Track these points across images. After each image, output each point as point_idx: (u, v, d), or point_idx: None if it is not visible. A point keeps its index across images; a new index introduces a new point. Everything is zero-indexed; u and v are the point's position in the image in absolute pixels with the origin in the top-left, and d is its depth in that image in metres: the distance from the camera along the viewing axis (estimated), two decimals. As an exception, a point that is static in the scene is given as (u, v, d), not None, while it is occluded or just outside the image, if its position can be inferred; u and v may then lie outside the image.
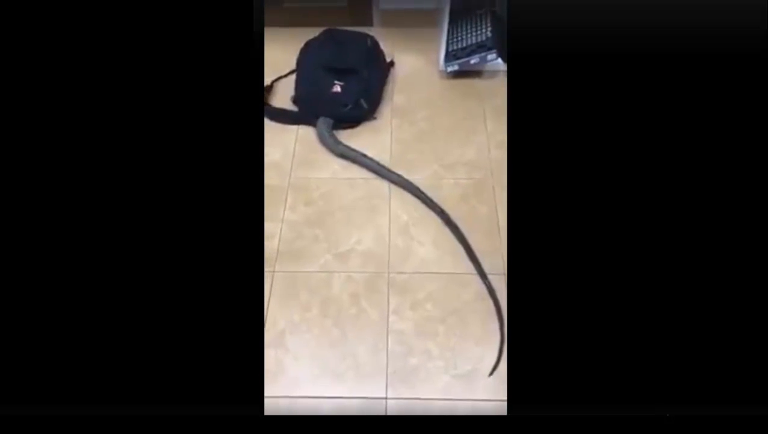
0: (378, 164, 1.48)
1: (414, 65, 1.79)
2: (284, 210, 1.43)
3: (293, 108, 1.63)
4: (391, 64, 1.75)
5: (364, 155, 1.49)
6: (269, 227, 1.40)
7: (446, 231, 1.37)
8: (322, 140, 1.54)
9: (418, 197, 1.41)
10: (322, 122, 1.55)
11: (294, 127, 1.61)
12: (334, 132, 1.57)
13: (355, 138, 1.57)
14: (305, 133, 1.60)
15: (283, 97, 1.69)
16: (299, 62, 1.70)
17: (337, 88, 1.58)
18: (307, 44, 1.70)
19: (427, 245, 1.35)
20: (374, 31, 1.87)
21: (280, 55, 1.80)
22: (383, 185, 1.47)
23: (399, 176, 1.46)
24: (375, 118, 1.60)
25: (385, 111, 1.65)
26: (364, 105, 1.56)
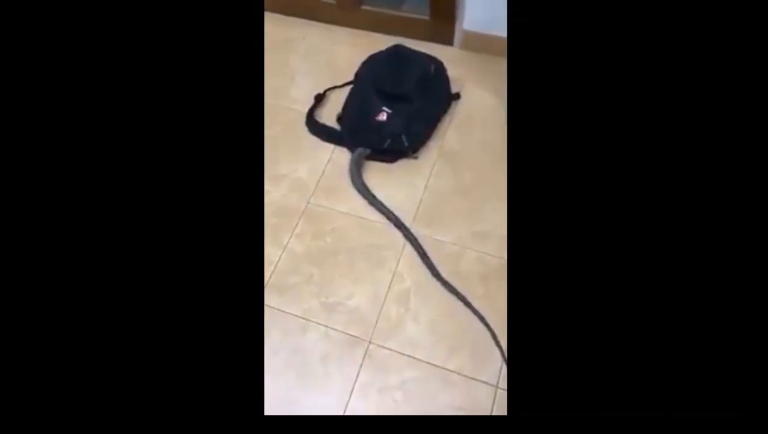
0: (391, 213, 1.34)
1: (483, 102, 1.58)
2: (290, 237, 1.34)
3: (336, 126, 1.52)
4: (456, 96, 1.55)
5: (377, 200, 1.36)
6: (270, 252, 1.32)
7: (449, 312, 1.20)
8: (350, 171, 1.42)
9: (425, 263, 1.25)
10: (357, 153, 1.43)
11: (331, 145, 1.51)
12: (370, 162, 1.44)
13: (386, 176, 1.43)
14: (340, 155, 1.49)
15: (331, 109, 1.58)
16: (357, 76, 1.57)
17: (383, 117, 1.43)
18: (370, 58, 1.55)
19: (422, 323, 1.19)
20: (451, 52, 1.67)
21: (347, 61, 1.67)
22: (399, 237, 1.32)
23: (408, 231, 1.30)
24: (416, 157, 1.44)
25: (431, 151, 1.47)
26: (404, 142, 1.40)
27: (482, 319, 1.17)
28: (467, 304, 1.19)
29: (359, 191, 1.39)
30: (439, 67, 1.49)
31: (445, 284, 1.22)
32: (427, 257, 1.26)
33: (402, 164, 1.46)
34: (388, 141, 1.40)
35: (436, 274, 1.23)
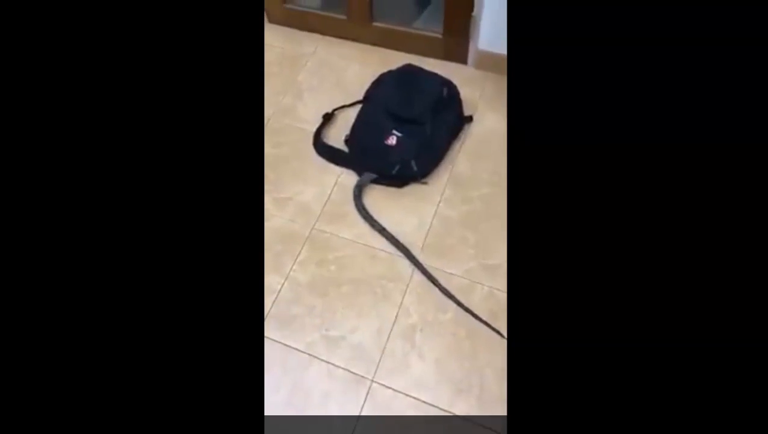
0: (398, 242, 1.29)
1: (496, 125, 1.52)
2: (293, 265, 1.30)
3: (344, 147, 1.48)
4: (469, 119, 1.50)
5: (381, 227, 1.31)
6: (271, 280, 1.28)
7: (456, 349, 1.15)
8: (354, 197, 1.37)
9: (442, 290, 1.20)
10: (361, 178, 1.38)
11: (338, 168, 1.46)
12: (376, 185, 1.39)
13: (394, 201, 1.38)
14: (347, 178, 1.44)
15: (340, 129, 1.53)
16: (367, 97, 1.52)
17: (392, 140, 1.38)
18: (380, 78, 1.51)
19: (429, 362, 1.14)
20: (465, 72, 1.62)
21: (357, 78, 1.63)
22: (407, 268, 1.27)
23: (413, 257, 1.26)
24: (425, 183, 1.39)
25: (441, 176, 1.42)
26: (414, 168, 1.35)
27: (492, 327, 1.11)
28: (479, 319, 1.13)
29: (363, 217, 1.35)
30: (452, 90, 1.43)
31: (459, 304, 1.17)
32: (437, 283, 1.21)
33: (410, 190, 1.41)
34: (398, 167, 1.35)
35: (444, 290, 1.18)
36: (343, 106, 1.57)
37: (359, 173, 1.41)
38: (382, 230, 1.30)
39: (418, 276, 1.26)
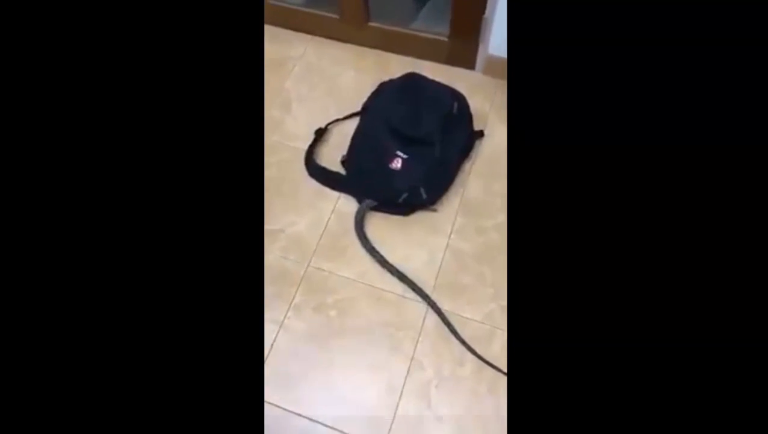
0: (411, 282, 1.15)
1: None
2: (288, 310, 1.14)
3: (340, 169, 1.31)
4: (480, 134, 1.34)
5: (388, 264, 1.17)
6: (265, 330, 1.12)
7: (478, 405, 1.02)
8: (355, 228, 1.22)
9: (461, 340, 1.06)
10: (361, 206, 1.23)
11: (335, 192, 1.30)
12: (377, 212, 1.24)
13: (400, 232, 1.23)
14: (346, 205, 1.28)
15: (335, 145, 1.36)
16: (365, 109, 1.35)
17: (397, 164, 1.22)
18: (381, 88, 1.33)
19: (447, 422, 1.01)
20: (473, 78, 1.46)
21: (353, 85, 1.45)
22: (418, 312, 1.13)
23: (432, 302, 1.12)
24: (434, 210, 1.24)
25: (451, 201, 1.27)
26: (423, 195, 1.20)
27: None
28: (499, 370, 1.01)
29: (368, 251, 1.20)
30: (463, 104, 1.27)
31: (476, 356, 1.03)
32: (456, 332, 1.07)
33: (417, 218, 1.25)
34: (405, 195, 1.19)
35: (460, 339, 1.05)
36: (337, 120, 1.39)
37: (359, 198, 1.25)
38: (391, 269, 1.16)
39: (431, 321, 1.12)
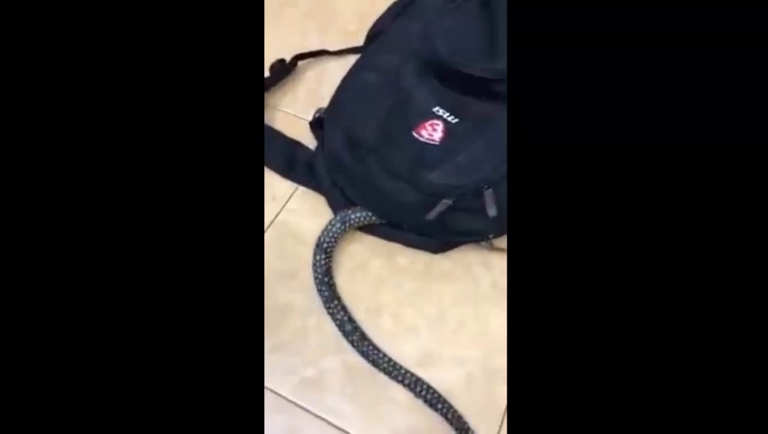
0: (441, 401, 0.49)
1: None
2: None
3: (309, 142, 0.65)
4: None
5: (380, 358, 0.52)
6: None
7: None
8: (314, 276, 0.55)
9: None
10: (341, 220, 0.56)
11: (290, 185, 0.64)
12: (376, 236, 0.57)
13: (423, 289, 0.55)
14: (308, 211, 0.62)
15: (304, 100, 0.70)
16: (376, 35, 0.70)
17: (434, 132, 0.56)
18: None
19: None
20: None
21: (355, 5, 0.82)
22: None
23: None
24: (499, 249, 0.56)
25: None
26: (492, 209, 0.52)
27: None
28: None
29: (337, 323, 0.53)
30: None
31: None
32: None
33: (460, 256, 0.58)
34: (446, 203, 0.52)
35: None
36: (317, 53, 0.74)
37: (334, 203, 0.59)
38: (399, 375, 0.51)
39: None
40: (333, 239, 0.56)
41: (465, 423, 0.49)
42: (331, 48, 0.74)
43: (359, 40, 0.76)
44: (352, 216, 0.56)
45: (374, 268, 0.58)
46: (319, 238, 0.56)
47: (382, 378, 0.52)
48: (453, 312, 0.55)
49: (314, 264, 0.55)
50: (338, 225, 0.56)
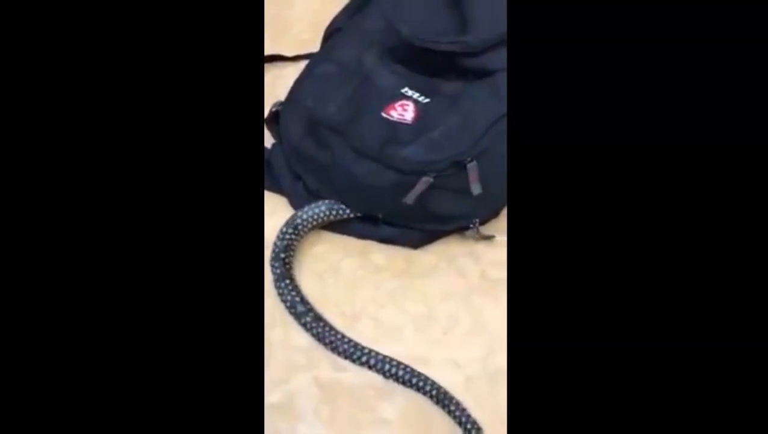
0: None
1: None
2: None
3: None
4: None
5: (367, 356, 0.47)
6: None
7: None
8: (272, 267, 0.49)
9: None
10: (308, 210, 0.51)
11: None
12: (344, 234, 0.52)
13: (404, 289, 0.50)
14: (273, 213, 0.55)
15: (265, 104, 0.65)
16: (330, 35, 0.66)
17: (405, 112, 0.53)
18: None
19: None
20: None
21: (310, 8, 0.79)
22: None
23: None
24: (491, 237, 0.52)
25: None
26: (476, 186, 0.47)
27: None
28: None
29: (301, 321, 0.47)
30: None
31: None
32: None
33: (445, 246, 0.52)
34: (420, 187, 0.46)
35: None
36: (274, 58, 0.70)
37: (300, 201, 0.53)
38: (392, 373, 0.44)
39: None
40: (290, 237, 0.50)
41: (448, 393, 0.44)
42: (288, 51, 0.71)
43: (315, 48, 0.73)
44: (303, 216, 0.51)
45: (347, 269, 0.51)
46: (280, 234, 0.50)
47: (366, 393, 0.44)
48: (441, 310, 0.48)
49: (273, 262, 0.49)
50: (289, 230, 0.50)
